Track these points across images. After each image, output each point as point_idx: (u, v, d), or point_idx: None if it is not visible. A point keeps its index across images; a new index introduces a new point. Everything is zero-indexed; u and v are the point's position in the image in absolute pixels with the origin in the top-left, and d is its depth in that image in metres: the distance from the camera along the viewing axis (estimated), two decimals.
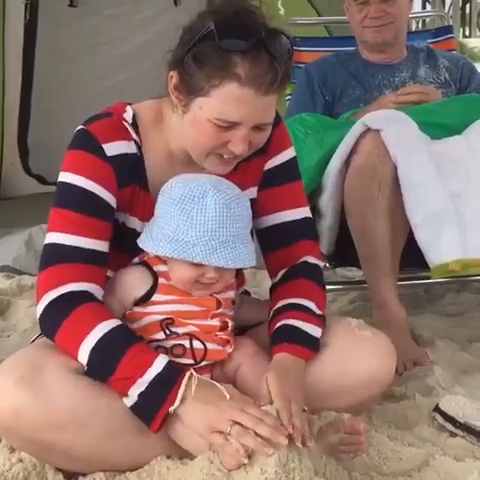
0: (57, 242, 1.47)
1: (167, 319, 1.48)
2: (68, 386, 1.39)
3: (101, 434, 1.40)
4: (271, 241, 1.67)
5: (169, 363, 1.39)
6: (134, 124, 1.54)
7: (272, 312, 1.58)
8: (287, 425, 1.34)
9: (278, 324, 1.54)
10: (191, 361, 1.48)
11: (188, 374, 1.38)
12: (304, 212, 1.68)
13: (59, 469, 1.43)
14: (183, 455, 1.40)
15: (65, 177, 1.51)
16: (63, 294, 1.44)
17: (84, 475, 1.42)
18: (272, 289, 1.65)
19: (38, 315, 1.47)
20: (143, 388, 1.36)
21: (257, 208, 1.65)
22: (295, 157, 1.69)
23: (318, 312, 1.57)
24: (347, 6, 2.59)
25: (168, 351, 1.47)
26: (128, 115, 1.54)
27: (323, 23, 3.79)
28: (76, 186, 1.49)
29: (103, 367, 1.40)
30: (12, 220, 3.59)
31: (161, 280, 1.49)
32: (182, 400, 1.36)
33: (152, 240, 1.46)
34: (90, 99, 4.35)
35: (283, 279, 1.63)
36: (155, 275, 1.49)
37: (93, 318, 1.42)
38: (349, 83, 2.52)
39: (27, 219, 3.51)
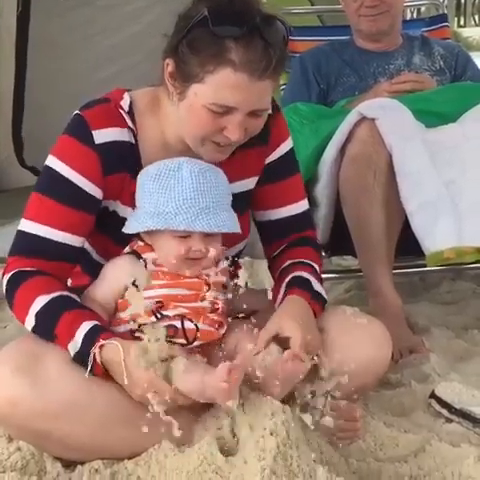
0: (30, 232, 1.50)
1: (157, 303, 1.48)
2: (65, 375, 1.40)
3: (98, 423, 1.40)
4: (272, 233, 1.70)
5: (85, 336, 1.40)
6: (130, 112, 1.54)
7: (282, 268, 1.63)
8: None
9: (292, 274, 1.59)
10: (183, 341, 1.48)
11: (97, 350, 1.39)
12: (304, 205, 1.71)
13: (57, 458, 1.43)
14: (181, 443, 1.41)
15: (51, 162, 1.52)
16: (17, 271, 1.48)
17: (82, 463, 1.42)
18: (275, 258, 1.69)
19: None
20: (72, 356, 1.41)
21: (257, 202, 1.67)
22: (293, 148, 1.70)
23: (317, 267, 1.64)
24: None
25: None
26: (125, 102, 1.54)
27: (317, 12, 3.79)
28: (59, 174, 1.50)
29: (44, 336, 1.44)
30: (7, 212, 3.57)
31: (150, 266, 1.50)
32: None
33: (135, 220, 1.48)
34: (84, 90, 4.31)
35: (287, 246, 1.67)
36: (144, 262, 1.50)
37: (36, 291, 1.46)
38: (344, 71, 2.52)
39: (22, 211, 3.50)
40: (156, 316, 1.48)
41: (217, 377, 1.34)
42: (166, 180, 1.46)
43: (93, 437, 1.41)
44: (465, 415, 1.64)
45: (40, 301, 1.45)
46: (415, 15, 5.88)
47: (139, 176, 1.51)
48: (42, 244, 1.49)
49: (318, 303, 1.56)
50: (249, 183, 1.65)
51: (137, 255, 1.51)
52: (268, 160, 1.65)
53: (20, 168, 4.53)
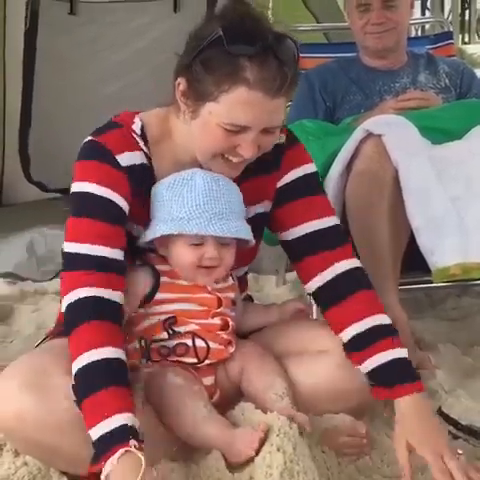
0: (73, 251, 1.47)
1: (170, 318, 1.49)
2: (72, 391, 1.40)
3: None
4: (303, 249, 1.64)
5: (118, 427, 1.33)
6: (143, 135, 1.54)
7: (354, 335, 1.56)
8: None
9: (380, 362, 1.52)
10: (194, 360, 1.49)
11: (120, 451, 1.31)
12: (331, 220, 1.66)
13: (64, 472, 1.44)
14: (187, 458, 1.41)
15: (79, 187, 1.50)
16: (79, 299, 1.43)
17: (88, 478, 1.42)
18: (326, 301, 1.62)
19: (63, 309, 1.47)
20: (93, 439, 1.34)
21: (277, 222, 1.65)
22: (315, 173, 1.67)
23: (388, 321, 1.59)
24: (348, 12, 2.60)
25: (171, 351, 1.48)
26: (137, 126, 1.55)
27: (323, 29, 3.81)
28: (92, 193, 1.48)
29: (76, 392, 1.38)
30: (13, 226, 3.60)
31: (163, 278, 1.51)
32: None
33: (149, 230, 1.50)
34: (90, 106, 4.37)
35: (340, 290, 1.60)
36: (157, 274, 1.51)
37: (92, 341, 1.40)
38: (350, 89, 2.53)
39: (28, 225, 3.51)
40: (168, 332, 1.49)
41: (247, 441, 1.36)
42: (179, 188, 1.48)
43: None
44: (472, 432, 1.64)
45: (86, 358, 1.38)
46: (419, 33, 5.90)
47: (153, 188, 1.52)
48: (88, 260, 1.45)
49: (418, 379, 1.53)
50: (261, 207, 1.64)
51: (151, 267, 1.52)
52: (279, 184, 1.65)
53: (26, 183, 4.55)
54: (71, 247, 1.47)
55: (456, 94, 2.56)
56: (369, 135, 2.11)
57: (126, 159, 1.51)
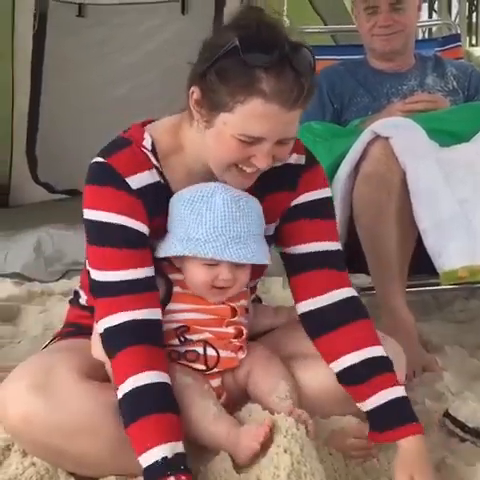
0: (103, 279, 1.44)
1: (182, 327, 1.49)
2: (80, 392, 1.40)
3: (112, 439, 1.40)
4: (301, 264, 1.60)
5: (161, 461, 1.32)
6: (153, 150, 1.51)
7: (350, 366, 1.51)
8: None
9: (378, 403, 1.47)
10: (203, 367, 1.49)
11: None
12: (336, 245, 1.62)
13: (71, 473, 1.44)
14: (194, 459, 1.41)
15: (95, 215, 1.47)
16: (118, 324, 1.41)
17: (96, 479, 1.43)
18: (317, 326, 1.56)
19: (102, 335, 1.45)
20: (144, 467, 1.34)
21: (283, 239, 1.61)
22: (329, 198, 1.63)
23: (384, 354, 1.53)
24: (356, 14, 2.60)
25: (181, 355, 1.48)
26: (147, 142, 1.51)
27: (330, 32, 3.81)
28: (111, 224, 1.45)
29: (124, 417, 1.38)
30: (21, 227, 3.61)
31: (176, 288, 1.49)
32: None
33: (165, 244, 1.47)
34: (98, 109, 4.38)
35: (337, 317, 1.55)
36: (170, 283, 1.50)
37: (136, 366, 1.38)
38: (357, 91, 2.53)
39: (36, 226, 3.52)
40: (180, 340, 1.48)
41: (252, 436, 1.36)
42: (198, 205, 1.43)
43: (107, 453, 1.41)
44: (479, 434, 1.63)
45: (130, 383, 1.37)
46: (426, 35, 5.89)
47: (172, 200, 1.49)
48: (118, 286, 1.43)
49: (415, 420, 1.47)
50: (270, 229, 1.60)
51: (163, 275, 1.50)
52: (295, 202, 1.60)
53: (34, 184, 4.57)
54: (98, 275, 1.45)
55: (464, 96, 2.56)
56: (377, 137, 2.11)
57: (138, 181, 1.47)
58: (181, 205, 1.46)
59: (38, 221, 3.59)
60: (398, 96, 2.51)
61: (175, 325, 1.48)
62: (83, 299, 1.64)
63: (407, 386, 1.84)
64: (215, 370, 1.50)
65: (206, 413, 1.40)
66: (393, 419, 1.46)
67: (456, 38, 3.06)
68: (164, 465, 1.32)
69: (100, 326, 1.44)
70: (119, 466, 1.43)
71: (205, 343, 1.48)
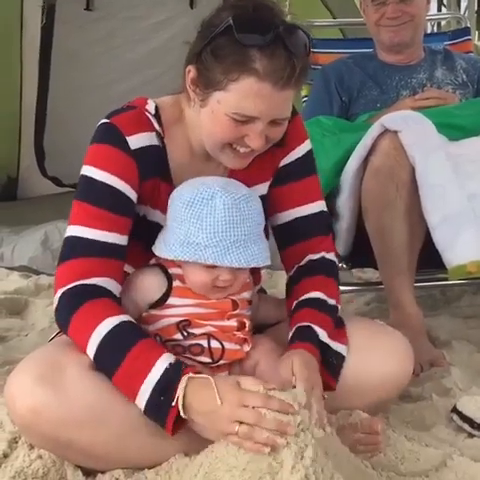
0: (75, 235, 1.48)
1: (183, 321, 1.48)
2: (87, 384, 1.40)
3: (120, 432, 1.40)
4: (286, 237, 1.67)
5: (169, 366, 1.35)
6: (157, 115, 1.55)
7: (294, 305, 1.58)
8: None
9: (298, 324, 1.54)
10: (209, 360, 1.48)
11: (184, 380, 1.33)
12: (319, 206, 1.67)
13: (78, 466, 1.43)
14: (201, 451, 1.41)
15: (88, 171, 1.51)
16: (75, 286, 1.44)
17: (103, 472, 1.43)
18: (289, 284, 1.66)
19: (54, 308, 1.49)
20: (147, 397, 1.35)
21: (271, 205, 1.65)
22: (311, 150, 1.68)
23: (333, 303, 1.59)
24: (364, 7, 2.59)
25: (186, 349, 1.48)
26: (150, 107, 1.55)
27: (339, 25, 3.80)
28: (99, 181, 1.49)
29: (106, 367, 1.39)
30: (29, 220, 3.62)
31: (176, 283, 1.48)
32: (184, 407, 1.33)
33: (165, 245, 1.46)
34: (105, 102, 4.35)
35: (302, 274, 1.63)
36: (170, 278, 1.49)
37: (100, 313, 1.41)
38: (366, 84, 2.52)
39: (43, 219, 3.53)
40: (183, 334, 1.48)
41: None
42: (198, 208, 1.42)
43: (114, 446, 1.41)
44: None
45: (107, 323, 1.40)
46: (435, 29, 5.86)
47: (171, 197, 1.50)
48: (89, 244, 1.47)
49: (321, 354, 1.50)
50: (264, 187, 1.64)
51: (163, 269, 1.50)
52: (283, 162, 1.64)
53: (41, 177, 4.58)
54: (73, 231, 1.49)
55: (473, 90, 2.55)
56: (386, 131, 2.10)
57: (137, 141, 1.51)
58: (181, 206, 1.45)
59: (46, 215, 3.60)
60: (407, 89, 2.50)
61: (176, 319, 1.48)
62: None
63: (414, 381, 1.85)
64: (221, 362, 1.49)
65: None
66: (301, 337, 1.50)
67: (466, 32, 3.04)
68: (174, 369, 1.35)
69: (59, 292, 1.45)
70: (126, 459, 1.43)
71: (209, 336, 1.48)
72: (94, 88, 4.48)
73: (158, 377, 1.35)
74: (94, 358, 1.40)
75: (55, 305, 1.47)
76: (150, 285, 1.49)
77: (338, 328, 1.58)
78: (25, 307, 2.72)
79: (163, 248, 1.46)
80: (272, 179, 1.65)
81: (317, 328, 1.52)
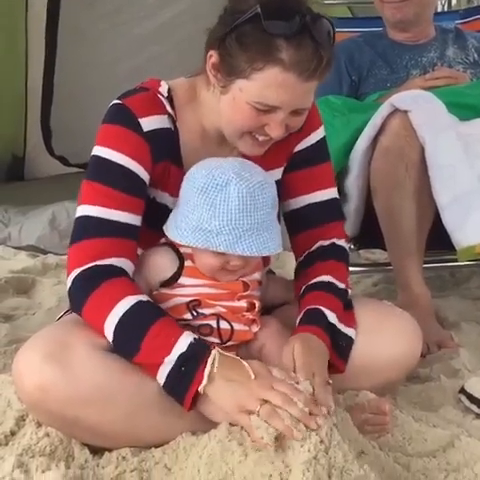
0: (87, 214, 1.47)
1: (194, 301, 1.48)
2: (95, 362, 1.40)
3: (127, 410, 1.40)
4: (298, 223, 1.67)
5: (194, 341, 1.37)
6: (169, 98, 1.54)
7: (303, 289, 1.58)
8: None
9: (307, 307, 1.53)
10: (217, 340, 1.49)
11: (214, 353, 1.36)
12: (332, 193, 1.68)
13: (85, 444, 1.44)
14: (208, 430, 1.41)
15: (100, 151, 1.49)
16: (90, 267, 1.43)
17: (110, 450, 1.43)
18: (298, 268, 1.65)
19: (67, 289, 1.47)
20: (169, 368, 1.36)
21: (284, 190, 1.65)
22: (325, 137, 1.68)
23: (343, 287, 1.58)
24: None
25: (195, 329, 1.47)
26: (163, 89, 1.54)
27: (349, 3, 3.77)
28: (111, 161, 1.48)
29: (127, 345, 1.39)
30: (36, 200, 3.62)
31: (187, 262, 1.48)
32: (209, 379, 1.34)
33: (177, 229, 1.45)
34: (112, 80, 4.36)
35: (312, 259, 1.62)
36: (181, 257, 1.48)
37: (117, 293, 1.41)
38: (376, 63, 2.50)
39: (51, 199, 3.53)
40: (192, 313, 1.48)
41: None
42: (212, 195, 1.41)
43: (122, 424, 1.41)
44: None
45: (125, 303, 1.39)
46: (446, 8, 5.80)
47: (185, 180, 1.48)
48: (102, 224, 1.45)
49: (330, 337, 1.49)
50: (279, 172, 1.64)
51: (174, 248, 1.49)
52: (298, 148, 1.64)
53: (48, 157, 4.57)
54: (84, 210, 1.47)
55: None
56: (395, 111, 2.08)
57: (150, 123, 1.50)
58: (194, 191, 1.43)
59: (53, 195, 3.60)
60: (417, 68, 2.47)
61: (187, 299, 1.48)
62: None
63: (422, 362, 1.85)
64: (230, 343, 1.49)
65: None
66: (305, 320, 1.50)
67: (477, 10, 3.01)
68: (199, 344, 1.36)
69: (73, 273, 1.43)
70: (133, 437, 1.43)
71: (218, 316, 1.48)
72: (101, 65, 4.46)
73: (184, 349, 1.35)
74: (113, 338, 1.39)
75: (68, 286, 1.46)
76: (162, 264, 1.49)
77: (347, 311, 1.57)
78: (32, 286, 2.73)
79: (175, 232, 1.45)
80: (286, 164, 1.64)
81: (326, 311, 1.52)
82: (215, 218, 1.40)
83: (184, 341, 1.37)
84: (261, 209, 1.42)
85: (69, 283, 1.46)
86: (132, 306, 1.39)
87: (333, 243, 1.64)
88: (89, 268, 1.43)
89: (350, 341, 1.53)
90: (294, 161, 1.65)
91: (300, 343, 1.44)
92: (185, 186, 1.47)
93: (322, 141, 1.67)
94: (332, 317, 1.52)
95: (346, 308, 1.57)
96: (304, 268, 1.63)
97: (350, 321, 1.55)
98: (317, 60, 1.39)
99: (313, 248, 1.64)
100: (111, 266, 1.44)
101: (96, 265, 1.43)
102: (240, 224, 1.40)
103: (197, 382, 1.34)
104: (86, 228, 1.47)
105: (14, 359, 1.43)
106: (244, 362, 1.36)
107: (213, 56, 1.45)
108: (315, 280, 1.58)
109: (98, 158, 1.50)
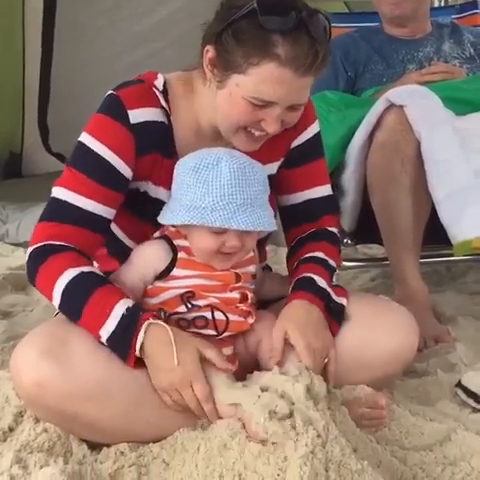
0: (59, 197, 1.50)
1: (187, 293, 1.48)
2: (92, 357, 1.40)
3: (125, 406, 1.40)
4: (294, 218, 1.69)
5: (126, 312, 1.40)
6: (164, 92, 1.54)
7: (295, 264, 1.61)
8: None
9: (297, 276, 1.57)
10: (213, 332, 1.49)
11: (144, 326, 1.38)
12: (327, 189, 1.70)
13: (83, 439, 1.44)
14: (207, 427, 1.41)
15: (84, 138, 1.52)
16: (43, 245, 1.47)
17: (108, 446, 1.43)
18: (291, 250, 1.68)
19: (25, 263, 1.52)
20: (107, 336, 1.40)
21: (279, 186, 1.66)
22: (319, 132, 1.69)
23: (332, 264, 1.62)
24: None
25: (190, 323, 1.48)
26: (159, 82, 1.54)
27: None
28: (91, 150, 1.50)
29: (71, 311, 1.44)
30: (33, 197, 3.61)
31: (181, 254, 1.49)
32: (142, 350, 1.38)
33: (171, 212, 1.47)
34: (110, 76, 4.32)
35: (305, 239, 1.66)
36: (175, 249, 1.49)
37: (65, 264, 1.45)
38: (372, 58, 2.50)
39: (48, 196, 3.52)
40: (187, 306, 1.48)
41: None
42: (204, 174, 1.43)
43: (120, 420, 1.41)
44: None
45: (68, 274, 1.44)
46: (442, 3, 5.79)
47: (176, 167, 1.50)
48: (69, 209, 1.48)
49: (322, 300, 1.54)
50: (274, 167, 1.64)
51: (168, 241, 1.50)
52: (295, 144, 1.65)
53: (46, 154, 4.56)
54: (59, 193, 1.50)
55: None
56: (391, 106, 2.09)
57: (139, 115, 1.50)
58: (186, 173, 1.45)
59: (51, 192, 3.59)
60: (414, 63, 2.48)
61: (181, 291, 1.48)
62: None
63: (419, 356, 1.85)
64: (226, 334, 1.50)
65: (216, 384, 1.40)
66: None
67: (474, 5, 3.00)
68: (132, 313, 1.39)
69: (30, 248, 1.49)
70: (131, 432, 1.43)
71: (212, 308, 1.48)
72: (99, 61, 4.44)
73: (116, 322, 1.39)
74: (59, 307, 1.45)
75: (26, 259, 1.51)
76: (155, 256, 1.49)
77: (339, 288, 1.61)
78: (30, 283, 2.72)
79: (169, 215, 1.47)
80: (283, 160, 1.65)
81: (316, 277, 1.55)
82: (208, 194, 1.42)
83: (118, 312, 1.39)
84: (253, 185, 1.44)
85: (26, 257, 1.51)
86: (73, 278, 1.43)
87: (325, 229, 1.68)
88: (43, 245, 1.47)
89: (341, 306, 1.56)
90: (292, 157, 1.65)
91: (294, 326, 1.46)
92: (177, 171, 1.49)
93: (317, 135, 1.68)
94: (322, 282, 1.55)
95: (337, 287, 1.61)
96: (297, 248, 1.65)
97: (341, 293, 1.59)
98: (313, 55, 1.40)
99: (305, 234, 1.67)
100: (63, 245, 1.47)
101: (49, 243, 1.47)
102: (234, 199, 1.41)
103: (133, 350, 1.38)
104: (54, 210, 1.50)
105: (12, 355, 1.43)
106: (174, 344, 1.37)
107: (210, 51, 1.46)
108: (306, 255, 1.61)
109: (81, 144, 1.52)
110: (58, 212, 1.49)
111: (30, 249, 1.50)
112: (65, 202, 1.49)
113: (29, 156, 4.51)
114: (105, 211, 1.50)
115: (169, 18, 4.44)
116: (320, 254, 1.61)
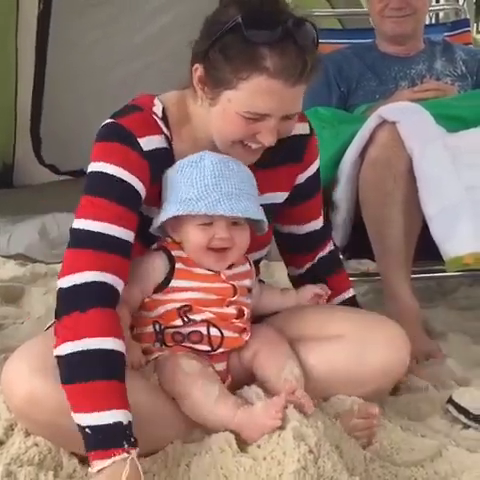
0: (84, 228, 1.43)
1: (185, 306, 1.48)
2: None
3: None
4: (294, 245, 1.77)
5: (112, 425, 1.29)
6: (164, 118, 1.52)
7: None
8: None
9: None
10: (208, 348, 1.49)
11: (118, 457, 1.28)
12: (322, 220, 1.80)
13: (74, 453, 1.44)
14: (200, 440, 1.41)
15: (98, 167, 1.46)
16: (81, 284, 1.38)
17: None
18: (304, 278, 1.77)
19: (57, 290, 1.43)
20: (87, 425, 1.31)
21: (284, 216, 1.71)
22: (319, 167, 1.74)
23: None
24: None
25: (185, 337, 1.48)
26: (158, 109, 1.52)
27: (338, 15, 3.79)
28: (111, 175, 1.45)
29: (68, 373, 1.34)
30: (25, 208, 3.60)
31: (178, 265, 1.49)
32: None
33: (160, 213, 1.49)
34: (103, 90, 4.36)
35: (317, 271, 1.78)
36: (172, 260, 1.50)
37: (98, 327, 1.35)
38: (365, 75, 2.52)
39: (40, 207, 3.52)
40: (183, 319, 1.48)
41: (268, 415, 1.35)
42: (188, 170, 1.46)
43: None
44: None
45: (90, 343, 1.33)
46: (433, 20, 5.84)
47: (164, 174, 1.51)
48: (97, 238, 1.41)
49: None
50: (278, 197, 1.66)
51: (166, 252, 1.51)
52: (300, 180, 1.69)
53: (38, 165, 4.55)
54: (79, 224, 1.44)
55: (473, 82, 2.54)
56: (383, 122, 2.09)
57: (148, 143, 1.49)
58: (173, 174, 1.49)
59: (43, 202, 3.59)
60: (406, 80, 2.49)
61: (178, 304, 1.48)
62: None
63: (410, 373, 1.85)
64: (220, 350, 1.50)
65: (211, 395, 1.40)
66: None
67: (465, 23, 3.04)
68: (120, 432, 1.29)
69: (65, 280, 1.39)
70: None
71: (208, 323, 1.48)
72: (92, 74, 4.44)
73: (105, 423, 1.29)
74: (65, 354, 1.34)
75: (57, 291, 1.42)
76: (154, 266, 1.50)
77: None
78: (21, 295, 2.71)
79: (159, 217, 1.49)
80: (290, 195, 1.69)
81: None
82: (193, 187, 1.44)
83: (111, 416, 1.30)
84: (237, 177, 1.46)
85: (58, 288, 1.42)
86: (100, 350, 1.34)
87: (330, 252, 1.81)
88: (79, 285, 1.38)
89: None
90: (294, 194, 1.69)
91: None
92: (164, 177, 1.51)
93: (318, 171, 1.74)
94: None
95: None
96: (316, 278, 1.75)
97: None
98: (302, 64, 1.40)
99: (316, 262, 1.79)
100: (101, 285, 1.39)
101: (86, 282, 1.38)
102: (218, 188, 1.44)
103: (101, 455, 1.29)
104: (82, 239, 1.43)
105: (3, 368, 1.42)
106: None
107: (198, 69, 1.45)
108: (341, 297, 1.79)
109: (98, 173, 1.46)
110: (89, 240, 1.41)
111: (67, 282, 1.39)
112: (89, 232, 1.42)
113: (21, 166, 4.50)
114: (130, 236, 1.45)
115: (163, 30, 4.44)
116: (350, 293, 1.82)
